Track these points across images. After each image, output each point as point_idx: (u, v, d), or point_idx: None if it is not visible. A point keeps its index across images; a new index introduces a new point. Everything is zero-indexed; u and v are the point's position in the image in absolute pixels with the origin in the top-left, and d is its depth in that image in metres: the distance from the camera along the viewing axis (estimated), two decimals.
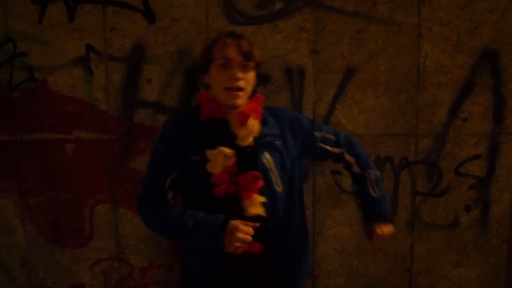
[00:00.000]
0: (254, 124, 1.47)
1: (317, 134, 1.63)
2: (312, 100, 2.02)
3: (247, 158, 1.45)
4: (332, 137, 1.65)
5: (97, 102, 2.05)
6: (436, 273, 2.15)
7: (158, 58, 1.99)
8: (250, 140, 1.46)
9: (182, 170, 1.48)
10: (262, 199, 1.45)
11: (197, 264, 1.54)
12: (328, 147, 1.65)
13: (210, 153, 1.42)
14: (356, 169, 1.66)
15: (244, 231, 1.33)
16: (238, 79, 1.41)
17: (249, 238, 1.34)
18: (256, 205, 1.44)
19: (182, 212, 1.43)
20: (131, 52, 2.00)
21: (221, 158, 1.42)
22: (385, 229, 1.56)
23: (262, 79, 1.99)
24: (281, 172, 1.50)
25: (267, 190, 1.47)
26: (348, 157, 1.66)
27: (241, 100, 1.45)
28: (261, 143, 1.48)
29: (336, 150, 1.65)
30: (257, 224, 1.37)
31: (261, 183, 1.45)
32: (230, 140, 1.45)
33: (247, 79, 1.45)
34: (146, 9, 1.96)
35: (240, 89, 1.43)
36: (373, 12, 1.96)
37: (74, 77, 2.03)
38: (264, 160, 1.47)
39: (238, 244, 1.32)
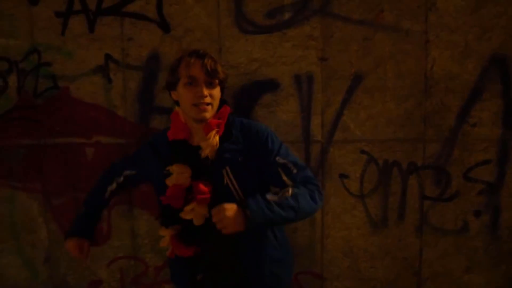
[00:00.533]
0: (213, 138, 1.50)
1: (280, 160, 1.54)
2: (321, 106, 2.07)
3: (206, 172, 1.51)
4: (294, 169, 1.54)
5: (115, 108, 2.16)
6: (445, 278, 2.15)
7: None
8: (208, 152, 1.50)
9: (151, 180, 1.70)
10: (203, 210, 1.50)
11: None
12: (284, 176, 1.53)
13: (170, 169, 1.54)
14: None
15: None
16: (204, 96, 1.46)
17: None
18: (187, 212, 1.51)
19: (86, 202, 1.83)
20: (147, 61, 2.11)
21: (176, 172, 1.52)
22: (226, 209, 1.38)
23: (272, 86, 2.07)
24: (242, 184, 1.51)
25: (229, 202, 1.41)
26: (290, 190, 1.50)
27: (209, 113, 1.50)
28: (221, 157, 1.51)
29: (289, 182, 1.52)
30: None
31: (207, 194, 1.49)
32: (193, 155, 1.53)
33: (213, 95, 1.49)
34: (161, 20, 2.07)
35: (208, 104, 1.48)
36: (380, 19, 1.99)
37: (94, 84, 2.15)
38: (224, 173, 1.50)
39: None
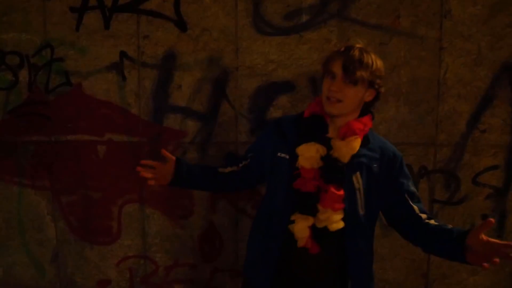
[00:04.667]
0: (355, 144, 1.45)
1: (411, 188, 1.53)
2: None
3: (336, 172, 1.44)
4: (419, 199, 1.53)
5: (129, 106, 2.14)
6: (452, 280, 2.20)
7: (189, 66, 2.09)
8: (342, 155, 1.44)
9: (268, 165, 1.57)
10: (339, 217, 1.45)
11: (259, 257, 1.56)
12: (410, 201, 1.51)
13: (303, 148, 1.46)
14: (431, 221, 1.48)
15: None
16: (335, 91, 1.42)
17: None
18: (332, 222, 1.44)
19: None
20: (163, 59, 2.10)
21: (313, 151, 1.44)
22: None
23: (287, 88, 2.09)
24: (369, 195, 1.47)
25: (350, 210, 1.45)
26: (423, 215, 1.49)
27: (337, 110, 1.44)
28: (355, 161, 1.45)
29: (416, 209, 1.49)
30: None
31: (342, 205, 1.44)
32: (323, 141, 1.46)
33: (346, 93, 1.42)
34: (179, 18, 2.06)
35: (339, 100, 1.43)
36: (396, 25, 2.03)
37: (108, 82, 2.13)
38: (354, 179, 1.46)
39: None
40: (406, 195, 1.50)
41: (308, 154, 1.45)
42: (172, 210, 2.21)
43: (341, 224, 1.44)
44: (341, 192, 1.43)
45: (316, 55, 2.06)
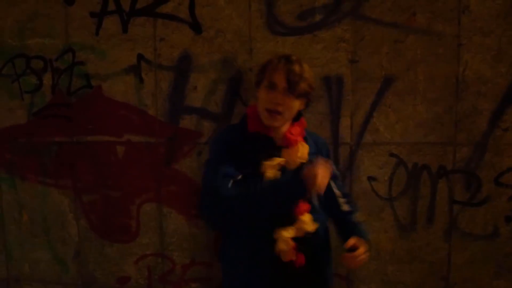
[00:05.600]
0: (304, 150, 1.55)
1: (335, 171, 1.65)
2: (350, 109, 2.07)
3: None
4: (339, 181, 1.71)
5: (146, 108, 2.20)
6: (474, 284, 2.12)
7: (204, 67, 2.12)
8: (298, 163, 1.52)
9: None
10: (310, 216, 1.54)
11: (244, 273, 1.56)
12: (335, 190, 1.62)
13: (266, 164, 1.49)
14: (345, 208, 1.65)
15: (323, 166, 1.40)
16: (278, 104, 1.47)
17: (327, 174, 1.43)
18: (310, 222, 1.53)
19: (253, 182, 1.45)
20: (178, 61, 2.14)
21: (276, 166, 1.50)
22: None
23: None
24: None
25: (313, 208, 1.56)
26: (345, 207, 1.64)
27: (278, 122, 1.52)
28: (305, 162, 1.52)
29: (338, 192, 1.61)
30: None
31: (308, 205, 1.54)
32: (275, 155, 1.52)
33: (288, 105, 1.49)
34: (193, 21, 2.10)
35: (279, 113, 1.49)
36: (412, 22, 1.99)
37: (126, 84, 2.19)
38: None
39: (320, 179, 1.37)
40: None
41: (272, 171, 1.48)
42: (188, 209, 2.25)
43: (315, 224, 1.52)
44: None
45: (330, 55, 2.05)
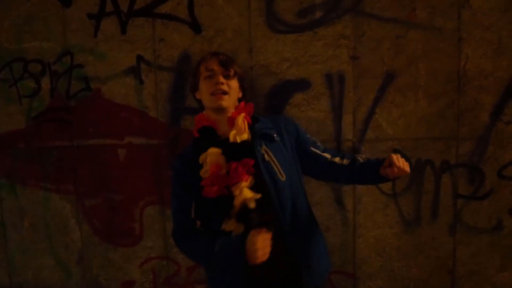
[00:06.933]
0: (241, 122, 1.58)
1: (310, 138, 1.77)
2: (352, 105, 2.07)
3: (245, 154, 1.55)
4: (321, 146, 1.78)
5: (147, 109, 2.18)
6: (480, 277, 2.13)
7: None
8: (244, 137, 1.57)
9: (198, 197, 1.57)
10: (246, 183, 1.52)
11: (223, 276, 1.60)
12: (318, 151, 1.74)
13: (201, 158, 1.56)
14: (345, 162, 1.74)
15: (262, 239, 1.41)
16: (221, 83, 1.58)
17: (268, 245, 1.42)
18: (243, 189, 1.50)
19: (208, 241, 1.53)
20: (178, 62, 2.12)
21: (211, 158, 1.54)
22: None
23: (303, 85, 2.08)
24: (283, 162, 1.60)
25: (271, 180, 1.55)
26: (336, 159, 1.74)
27: (226, 102, 1.60)
28: (256, 136, 1.60)
29: (326, 155, 1.74)
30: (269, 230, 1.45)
31: (251, 168, 1.53)
32: (222, 144, 1.57)
33: (230, 85, 1.61)
34: (193, 21, 2.08)
35: (225, 92, 1.59)
36: (413, 17, 1.99)
37: (126, 86, 2.17)
38: (263, 151, 1.59)
39: (260, 254, 1.39)
40: (312, 148, 1.73)
41: (205, 164, 1.55)
42: None
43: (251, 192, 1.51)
44: (251, 161, 1.53)
45: (331, 51, 2.04)
